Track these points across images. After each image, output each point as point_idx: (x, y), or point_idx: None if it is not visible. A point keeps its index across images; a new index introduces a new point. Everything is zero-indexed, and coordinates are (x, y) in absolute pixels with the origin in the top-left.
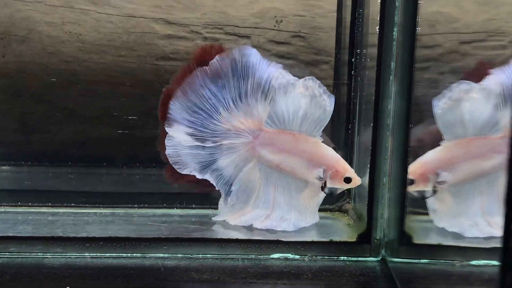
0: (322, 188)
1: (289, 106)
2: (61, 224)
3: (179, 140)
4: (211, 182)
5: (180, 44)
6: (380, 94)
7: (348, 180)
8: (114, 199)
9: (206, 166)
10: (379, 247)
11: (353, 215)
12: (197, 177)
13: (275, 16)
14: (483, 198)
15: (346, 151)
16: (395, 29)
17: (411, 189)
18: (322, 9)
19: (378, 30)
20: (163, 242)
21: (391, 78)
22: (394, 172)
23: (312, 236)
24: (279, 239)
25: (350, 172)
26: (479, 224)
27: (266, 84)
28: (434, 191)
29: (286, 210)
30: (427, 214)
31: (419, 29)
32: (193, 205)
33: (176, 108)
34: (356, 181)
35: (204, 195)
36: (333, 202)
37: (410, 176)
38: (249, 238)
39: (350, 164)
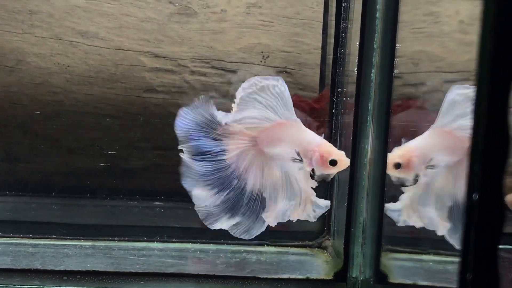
0: (311, 176)
1: (253, 111)
2: (40, 256)
3: (210, 204)
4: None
5: (167, 77)
6: (358, 134)
7: (333, 162)
8: (95, 231)
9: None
10: (355, 285)
11: (332, 252)
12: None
13: (262, 52)
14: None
15: (327, 188)
16: (373, 70)
17: (397, 173)
18: (308, 45)
19: (356, 71)
20: (140, 276)
21: (368, 118)
22: (370, 211)
23: (289, 273)
24: (256, 275)
25: (335, 154)
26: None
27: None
28: (416, 180)
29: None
30: (403, 252)
31: (396, 71)
32: (174, 239)
33: (188, 183)
34: (343, 162)
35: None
36: (313, 238)
37: (398, 159)
38: (226, 274)
39: (331, 200)
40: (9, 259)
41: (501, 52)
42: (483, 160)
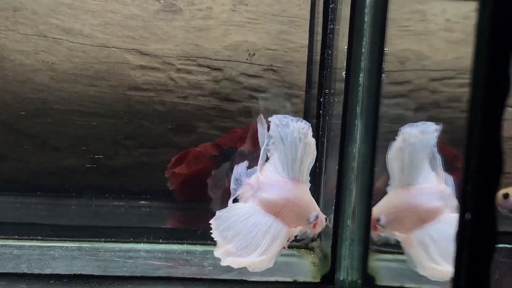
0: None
1: (288, 154)
2: (26, 258)
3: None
4: None
5: (152, 75)
6: (346, 138)
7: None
8: (81, 232)
9: None
10: None
11: (319, 253)
12: None
13: (248, 50)
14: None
15: (314, 189)
16: (361, 74)
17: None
18: (294, 43)
19: (344, 76)
20: (128, 280)
21: (356, 122)
22: (358, 215)
23: (276, 276)
24: (244, 278)
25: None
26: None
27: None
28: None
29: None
30: (390, 252)
31: (384, 75)
32: (160, 240)
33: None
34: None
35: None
36: (299, 239)
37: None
38: (213, 277)
39: (317, 203)
40: None
41: (494, 74)
42: (476, 180)
